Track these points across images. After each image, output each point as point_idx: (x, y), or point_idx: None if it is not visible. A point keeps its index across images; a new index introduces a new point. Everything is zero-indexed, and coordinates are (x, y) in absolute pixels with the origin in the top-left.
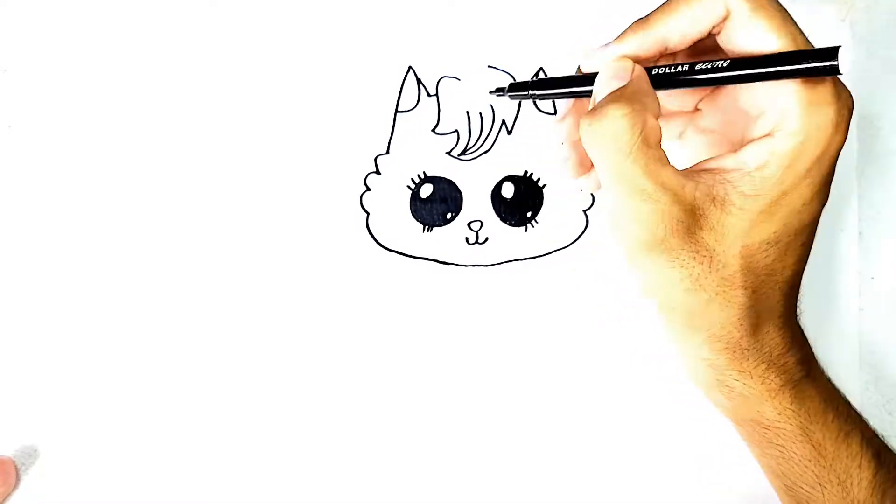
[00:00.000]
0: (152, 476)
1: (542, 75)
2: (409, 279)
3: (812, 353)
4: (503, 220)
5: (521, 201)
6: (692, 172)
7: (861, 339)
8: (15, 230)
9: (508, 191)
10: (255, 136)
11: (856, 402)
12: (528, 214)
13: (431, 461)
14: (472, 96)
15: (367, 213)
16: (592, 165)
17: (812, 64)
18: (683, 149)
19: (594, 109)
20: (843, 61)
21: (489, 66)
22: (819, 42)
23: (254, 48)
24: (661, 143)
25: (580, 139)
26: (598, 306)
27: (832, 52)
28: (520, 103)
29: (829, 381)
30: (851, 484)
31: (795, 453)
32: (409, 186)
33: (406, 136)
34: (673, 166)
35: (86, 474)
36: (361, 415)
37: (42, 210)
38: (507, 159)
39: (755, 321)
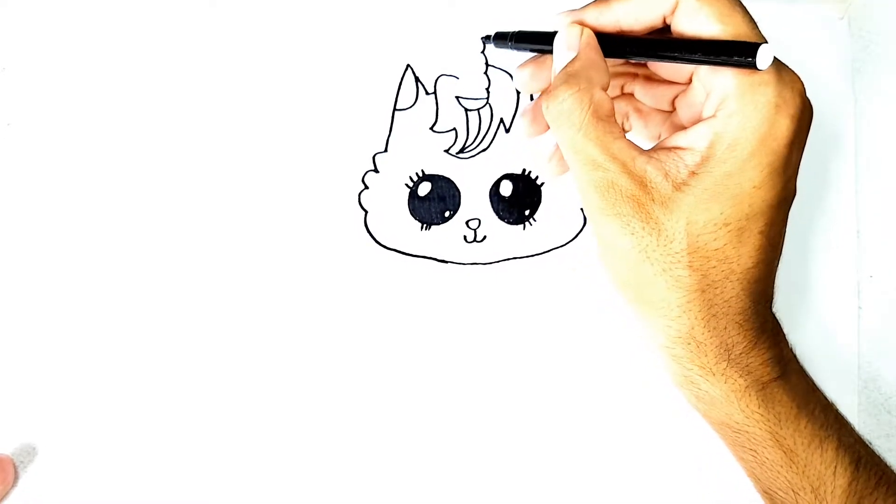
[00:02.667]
0: (151, 474)
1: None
2: (408, 277)
3: (789, 355)
4: (501, 218)
5: (519, 199)
6: (650, 150)
7: (860, 339)
8: (14, 228)
9: (507, 189)
10: (253, 135)
11: (855, 401)
12: (527, 212)
13: (430, 459)
14: (470, 94)
15: (366, 212)
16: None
17: (733, 57)
18: None
19: (548, 92)
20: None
21: (488, 65)
22: (817, 39)
23: (253, 47)
24: (613, 115)
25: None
26: (597, 304)
27: (752, 49)
28: (518, 102)
29: (808, 384)
30: (825, 492)
31: (767, 458)
32: (407, 185)
33: (404, 134)
34: (628, 140)
35: (84, 472)
36: (360, 413)
37: (41, 208)
38: (506, 157)
39: (708, 311)
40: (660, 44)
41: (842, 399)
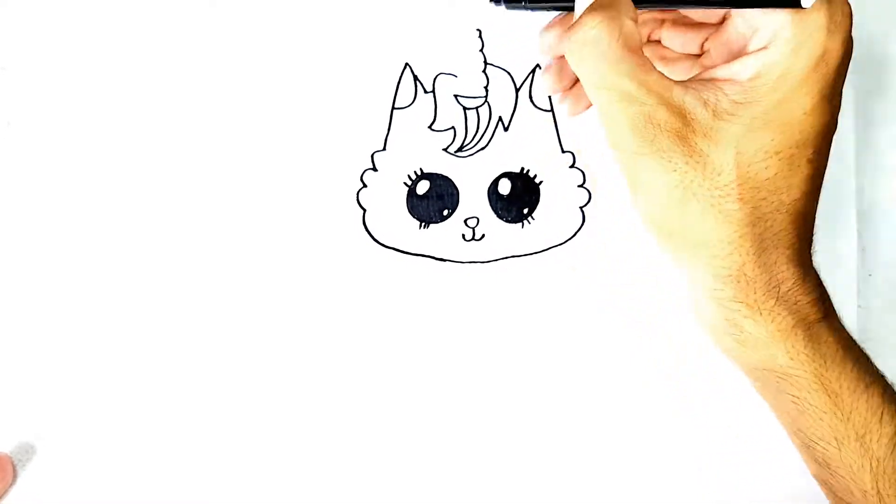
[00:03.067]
0: (150, 473)
1: (538, 72)
2: (406, 276)
3: (828, 298)
4: (500, 216)
5: (517, 198)
6: (682, 82)
7: (860, 337)
8: (13, 227)
9: (505, 187)
10: (251, 133)
11: None
12: (525, 211)
13: (428, 458)
14: (468, 93)
15: (364, 210)
16: (573, 84)
17: None
18: None
19: (572, 24)
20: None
21: (486, 63)
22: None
23: (252, 46)
24: (642, 48)
25: (562, 56)
26: (596, 303)
27: None
28: (516, 101)
29: (846, 330)
30: (871, 440)
31: (811, 404)
32: (405, 183)
33: (403, 132)
34: (660, 72)
35: (83, 471)
36: (358, 412)
37: (41, 207)
38: (504, 156)
39: (759, 245)
40: None
41: None
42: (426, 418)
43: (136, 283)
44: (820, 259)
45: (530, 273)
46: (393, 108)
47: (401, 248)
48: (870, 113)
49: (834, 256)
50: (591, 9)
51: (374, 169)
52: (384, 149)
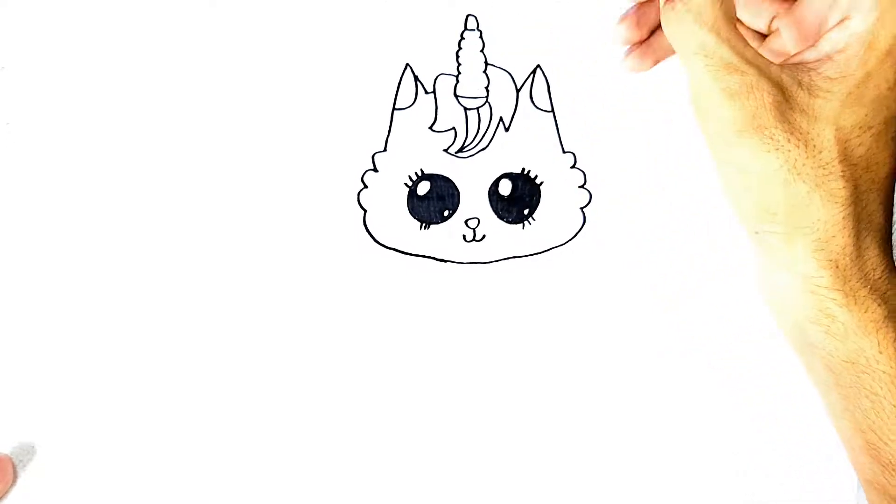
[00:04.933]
0: (150, 473)
1: (539, 73)
2: (407, 277)
3: None
4: (500, 217)
5: (518, 198)
6: (773, 64)
7: None
8: (13, 227)
9: (506, 188)
10: (252, 134)
11: None
12: (526, 212)
13: (429, 459)
14: (469, 93)
15: (365, 211)
16: (645, 39)
17: None
18: None
19: None
20: None
21: (487, 64)
22: None
23: (252, 46)
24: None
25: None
26: (597, 304)
27: None
28: (517, 101)
29: None
30: None
31: (890, 402)
32: (406, 184)
33: (403, 133)
34: (754, 48)
35: (83, 471)
36: (359, 413)
37: (41, 208)
38: (505, 156)
39: (857, 227)
40: None
41: None
42: (427, 418)
43: (136, 284)
44: None
45: (531, 274)
46: (394, 108)
47: (401, 249)
48: None
49: None
50: None
51: (375, 170)
52: (385, 149)
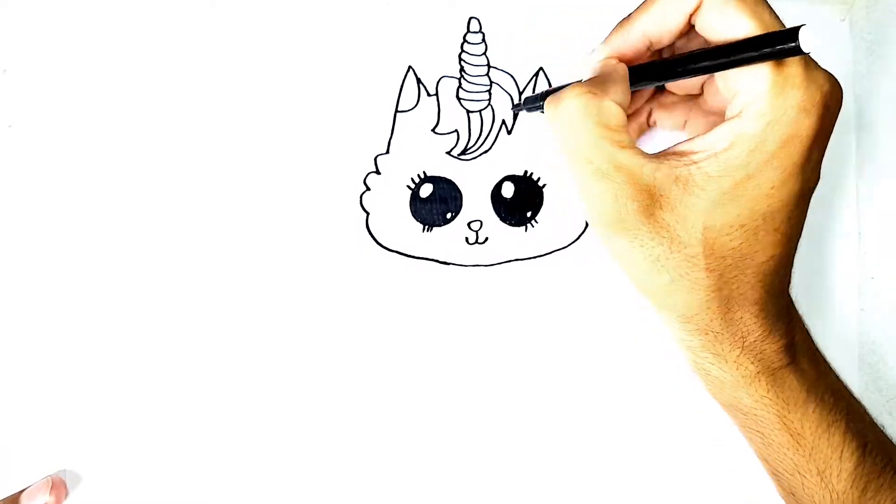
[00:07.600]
0: (149, 472)
1: (542, 76)
2: (409, 279)
3: (802, 340)
4: (503, 219)
5: (520, 201)
6: (660, 155)
7: (861, 339)
8: (15, 230)
9: (508, 191)
10: (255, 136)
11: None
12: (528, 214)
13: (432, 461)
14: (471, 96)
15: (367, 213)
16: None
17: (774, 48)
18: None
19: (556, 95)
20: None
21: (490, 66)
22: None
23: (254, 48)
24: (625, 127)
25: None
26: (599, 306)
27: (793, 34)
28: (519, 100)
29: (819, 368)
30: (831, 475)
31: (774, 440)
32: (408, 186)
33: (406, 135)
34: (636, 149)
35: (83, 471)
36: (362, 415)
37: (42, 210)
38: (507, 159)
39: (726, 305)
40: (694, 56)
41: None
42: (430, 420)
43: (140, 287)
44: (822, 263)
45: (533, 276)
46: (396, 111)
47: (404, 252)
48: (870, 115)
49: (836, 260)
50: (576, 85)
51: (378, 172)
52: (387, 152)
